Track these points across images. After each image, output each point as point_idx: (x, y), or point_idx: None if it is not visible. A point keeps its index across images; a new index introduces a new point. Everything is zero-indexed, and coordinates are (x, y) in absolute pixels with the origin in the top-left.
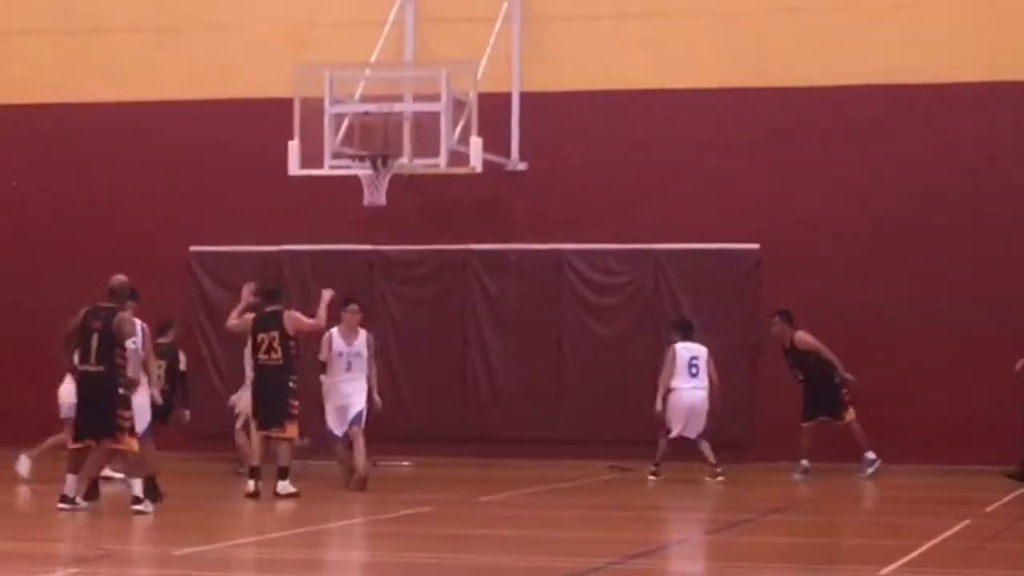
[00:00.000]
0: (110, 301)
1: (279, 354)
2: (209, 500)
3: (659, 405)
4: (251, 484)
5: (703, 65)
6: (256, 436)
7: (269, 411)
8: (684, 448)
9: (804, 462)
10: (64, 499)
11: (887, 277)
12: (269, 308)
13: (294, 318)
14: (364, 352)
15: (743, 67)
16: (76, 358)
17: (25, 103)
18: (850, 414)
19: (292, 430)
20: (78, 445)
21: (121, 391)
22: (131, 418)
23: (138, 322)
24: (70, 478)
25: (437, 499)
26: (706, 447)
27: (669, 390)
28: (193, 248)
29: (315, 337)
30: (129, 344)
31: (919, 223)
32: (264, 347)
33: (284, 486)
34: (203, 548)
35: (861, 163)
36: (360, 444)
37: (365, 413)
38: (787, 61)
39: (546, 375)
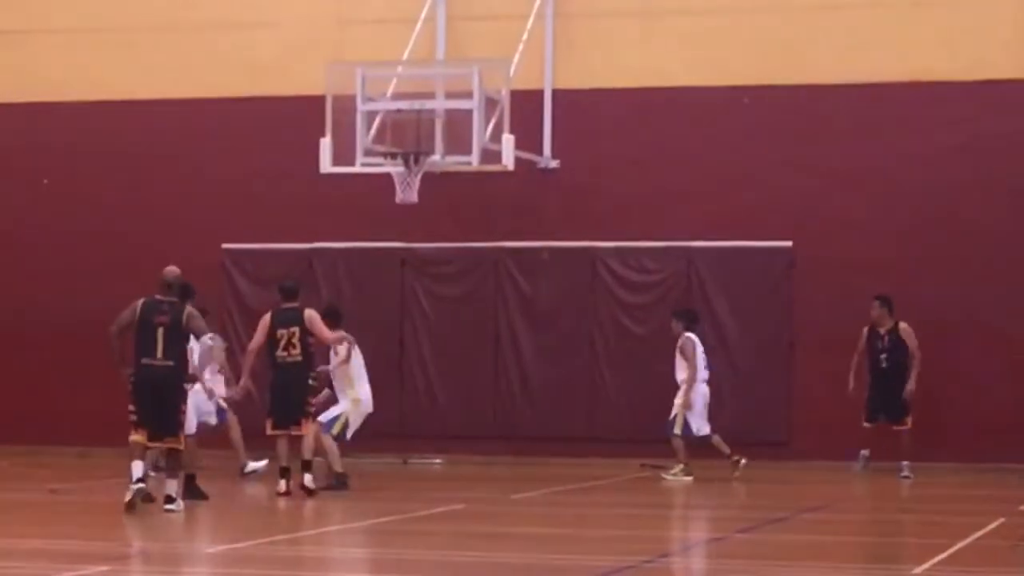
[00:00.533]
0: (165, 294)
1: (298, 350)
2: (241, 498)
3: (699, 398)
4: (282, 484)
5: (736, 62)
6: (280, 437)
7: (288, 409)
8: (712, 447)
9: (865, 452)
10: (138, 481)
11: (919, 274)
12: (287, 305)
13: (314, 318)
14: (332, 355)
15: (776, 64)
16: (137, 352)
17: (57, 101)
18: (909, 422)
19: (307, 428)
20: (143, 439)
21: (186, 386)
22: (185, 413)
23: None
24: (138, 465)
25: (469, 497)
26: (718, 440)
27: (694, 382)
28: (225, 245)
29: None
30: (207, 340)
31: (951, 220)
32: (283, 343)
33: (311, 479)
34: (236, 545)
35: (894, 160)
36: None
37: (339, 417)
38: (820, 58)
39: (579, 373)
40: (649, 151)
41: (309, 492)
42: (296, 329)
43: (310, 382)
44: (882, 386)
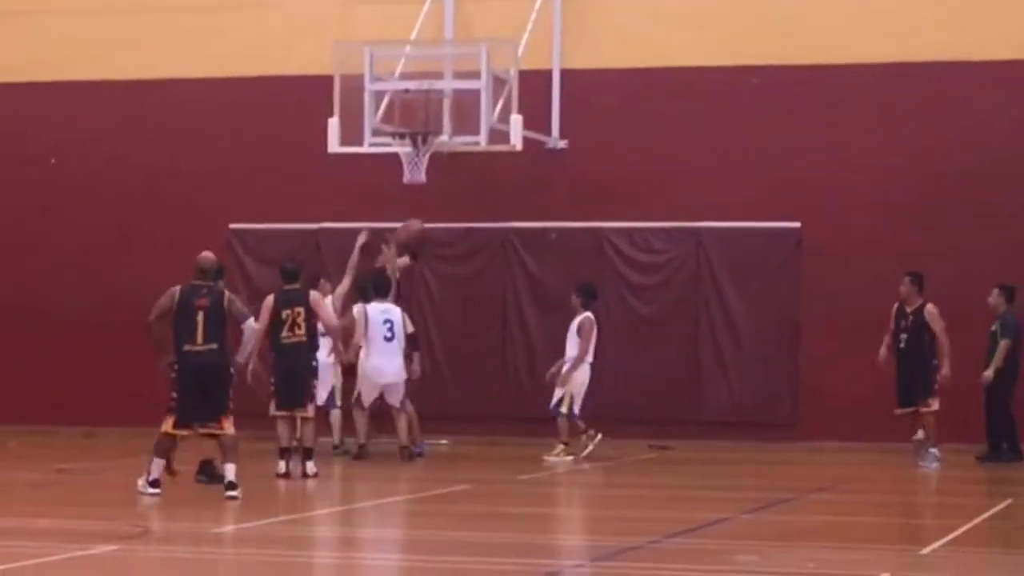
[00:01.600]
0: (202, 279)
1: (303, 331)
2: (249, 479)
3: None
4: (281, 465)
5: (744, 42)
6: (282, 419)
7: (292, 391)
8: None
9: (933, 450)
10: (154, 484)
11: (929, 256)
12: (289, 286)
13: (319, 301)
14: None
15: (785, 44)
16: (178, 339)
17: (64, 80)
18: (934, 405)
19: (312, 410)
20: (181, 432)
21: (232, 371)
22: (232, 397)
23: None
24: (157, 463)
25: (475, 477)
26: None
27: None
28: (232, 226)
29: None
30: (251, 324)
31: (963, 202)
32: (288, 324)
33: (311, 467)
34: (243, 526)
35: (903, 141)
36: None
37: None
38: (829, 38)
39: None
40: (657, 132)
41: (311, 478)
42: (301, 309)
43: (313, 363)
44: (901, 368)
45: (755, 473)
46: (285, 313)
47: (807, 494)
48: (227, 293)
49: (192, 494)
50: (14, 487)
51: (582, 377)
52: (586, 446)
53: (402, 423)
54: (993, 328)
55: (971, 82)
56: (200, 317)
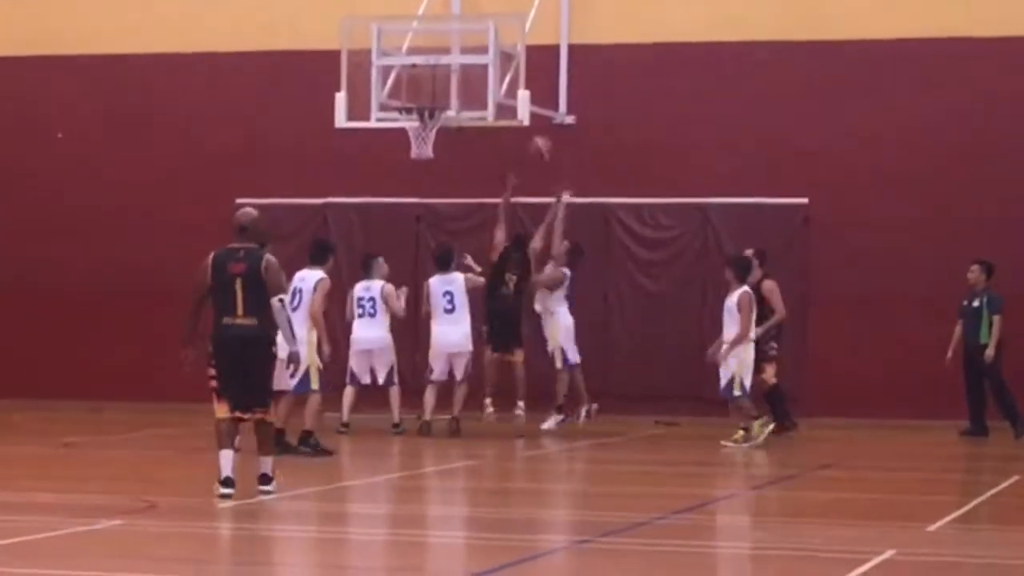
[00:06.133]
0: (240, 240)
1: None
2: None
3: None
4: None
5: (753, 18)
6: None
7: None
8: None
9: None
10: (227, 483)
11: (936, 233)
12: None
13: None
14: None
15: (794, 20)
16: (216, 311)
17: (70, 54)
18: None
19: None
20: (241, 416)
21: (274, 349)
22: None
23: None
24: (227, 455)
25: (481, 453)
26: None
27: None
28: (239, 200)
29: None
30: (275, 301)
31: (971, 179)
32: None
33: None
34: (246, 501)
35: (912, 117)
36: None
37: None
38: (838, 14)
39: (592, 329)
40: (665, 107)
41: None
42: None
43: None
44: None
45: (761, 449)
46: None
47: (813, 470)
48: (267, 257)
49: (202, 468)
50: (20, 461)
51: (748, 355)
52: (759, 433)
53: (459, 394)
54: (976, 304)
55: (978, 58)
56: (238, 285)
